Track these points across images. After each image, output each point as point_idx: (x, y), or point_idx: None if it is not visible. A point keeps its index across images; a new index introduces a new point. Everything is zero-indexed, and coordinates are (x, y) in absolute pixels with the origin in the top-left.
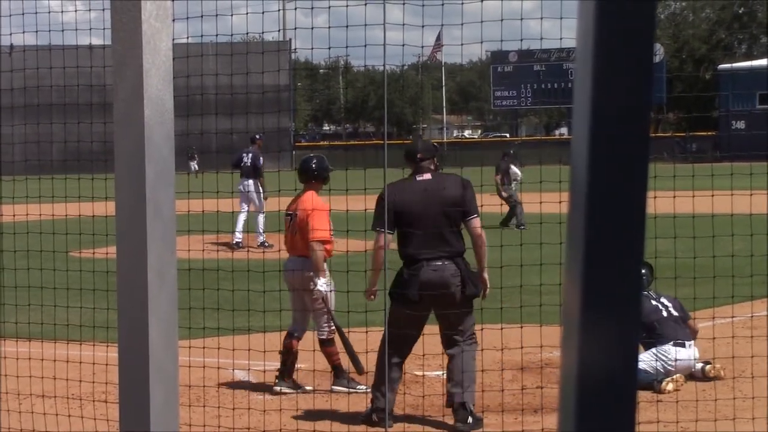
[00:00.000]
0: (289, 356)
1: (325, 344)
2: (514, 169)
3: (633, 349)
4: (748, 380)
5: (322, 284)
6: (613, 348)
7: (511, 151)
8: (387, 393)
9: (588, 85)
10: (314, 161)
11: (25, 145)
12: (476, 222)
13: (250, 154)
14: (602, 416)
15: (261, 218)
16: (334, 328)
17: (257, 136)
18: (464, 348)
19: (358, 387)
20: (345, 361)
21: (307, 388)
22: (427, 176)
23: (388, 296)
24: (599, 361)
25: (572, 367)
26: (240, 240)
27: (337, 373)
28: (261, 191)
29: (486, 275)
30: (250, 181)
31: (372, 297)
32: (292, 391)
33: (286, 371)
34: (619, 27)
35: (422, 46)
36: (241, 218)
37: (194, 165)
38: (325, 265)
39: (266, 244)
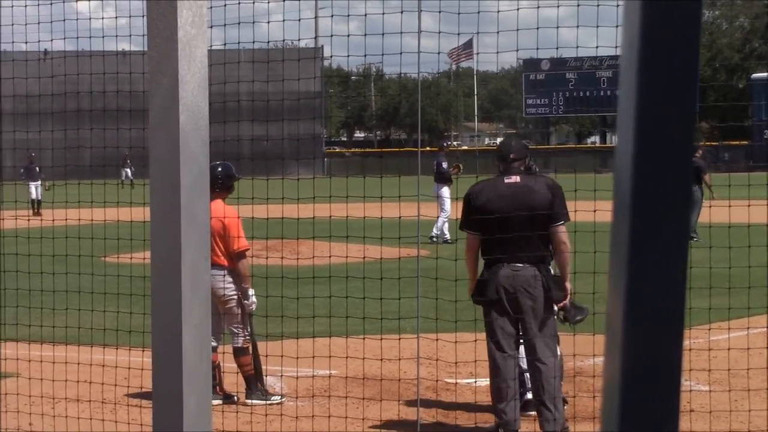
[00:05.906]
0: (213, 370)
1: (240, 353)
2: None
3: (676, 358)
4: None
5: (253, 294)
6: (657, 357)
7: None
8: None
9: (633, 88)
10: (219, 168)
11: (65, 150)
12: (561, 229)
13: (435, 161)
14: (646, 424)
15: (441, 220)
16: (249, 337)
17: (444, 144)
18: (546, 361)
19: (273, 398)
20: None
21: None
22: (516, 178)
23: (474, 304)
24: (642, 369)
25: (615, 375)
26: (435, 235)
27: (250, 385)
28: (448, 195)
29: (568, 284)
30: (438, 186)
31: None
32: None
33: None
34: (666, 26)
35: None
36: (440, 219)
37: (127, 172)
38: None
39: (443, 240)
